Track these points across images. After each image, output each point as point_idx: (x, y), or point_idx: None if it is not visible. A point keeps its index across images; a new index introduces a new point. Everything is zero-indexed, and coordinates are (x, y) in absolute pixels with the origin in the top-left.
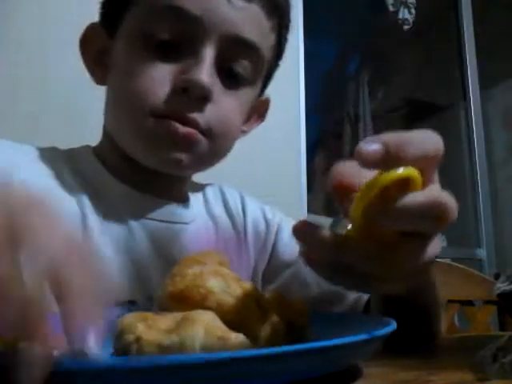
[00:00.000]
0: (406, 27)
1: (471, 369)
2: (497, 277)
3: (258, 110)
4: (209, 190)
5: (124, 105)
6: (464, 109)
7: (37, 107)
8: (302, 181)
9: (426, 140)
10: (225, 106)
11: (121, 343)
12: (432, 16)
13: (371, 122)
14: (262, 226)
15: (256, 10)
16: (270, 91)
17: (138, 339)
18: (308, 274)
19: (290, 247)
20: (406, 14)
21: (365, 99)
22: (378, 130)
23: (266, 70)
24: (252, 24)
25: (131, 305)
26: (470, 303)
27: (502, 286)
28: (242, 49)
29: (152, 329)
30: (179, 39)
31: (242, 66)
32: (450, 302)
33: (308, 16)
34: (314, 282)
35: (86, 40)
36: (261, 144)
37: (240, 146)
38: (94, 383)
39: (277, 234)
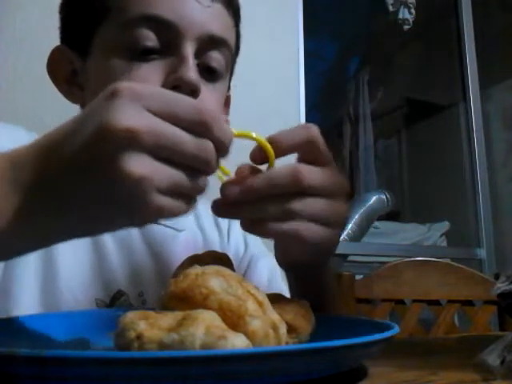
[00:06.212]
0: (406, 27)
1: (476, 369)
2: (497, 277)
3: (227, 104)
4: (200, 206)
5: None
6: (464, 109)
7: (37, 105)
8: None
9: (294, 132)
10: (209, 98)
11: (122, 340)
12: (432, 16)
13: (371, 121)
14: (242, 248)
15: (220, 7)
16: (271, 91)
17: (139, 336)
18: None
19: (259, 276)
20: (406, 14)
21: (365, 99)
22: (377, 129)
23: (231, 62)
24: (219, 21)
25: (120, 294)
26: (469, 303)
27: (502, 285)
28: (215, 44)
29: (153, 327)
30: (159, 42)
31: (216, 61)
32: (450, 302)
33: (308, 16)
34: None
35: (54, 64)
36: None
37: (240, 146)
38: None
39: (250, 262)
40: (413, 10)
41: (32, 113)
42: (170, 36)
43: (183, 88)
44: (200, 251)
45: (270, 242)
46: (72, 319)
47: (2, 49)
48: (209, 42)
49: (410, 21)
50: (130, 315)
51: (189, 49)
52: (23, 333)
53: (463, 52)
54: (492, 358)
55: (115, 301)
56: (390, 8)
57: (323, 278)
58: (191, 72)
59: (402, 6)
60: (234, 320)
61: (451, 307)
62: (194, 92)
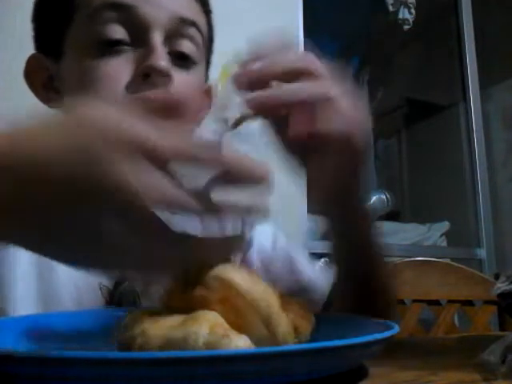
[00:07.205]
0: (406, 27)
1: (476, 369)
2: (497, 277)
3: (209, 95)
4: None
5: None
6: (464, 109)
7: (36, 104)
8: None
9: (292, 57)
10: (183, 85)
11: (125, 337)
12: (432, 16)
13: (371, 121)
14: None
15: None
16: None
17: (143, 333)
18: (277, 270)
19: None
20: (406, 14)
21: (365, 99)
22: (377, 129)
23: (206, 51)
24: (184, 3)
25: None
26: (469, 303)
27: (502, 285)
28: (184, 27)
29: (157, 324)
30: (127, 34)
31: (187, 46)
32: (450, 301)
33: (308, 16)
34: (284, 276)
35: (31, 72)
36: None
37: None
38: (96, 375)
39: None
40: (413, 10)
41: (31, 112)
42: (136, 26)
43: (154, 76)
44: None
45: (288, 211)
46: (72, 319)
47: (2, 49)
48: (177, 25)
49: (410, 21)
50: (135, 312)
51: (157, 37)
52: (23, 333)
53: (463, 52)
54: (493, 357)
55: (118, 286)
56: (390, 8)
57: (358, 219)
58: (160, 60)
59: (402, 6)
60: (237, 320)
61: (451, 307)
62: (165, 79)
